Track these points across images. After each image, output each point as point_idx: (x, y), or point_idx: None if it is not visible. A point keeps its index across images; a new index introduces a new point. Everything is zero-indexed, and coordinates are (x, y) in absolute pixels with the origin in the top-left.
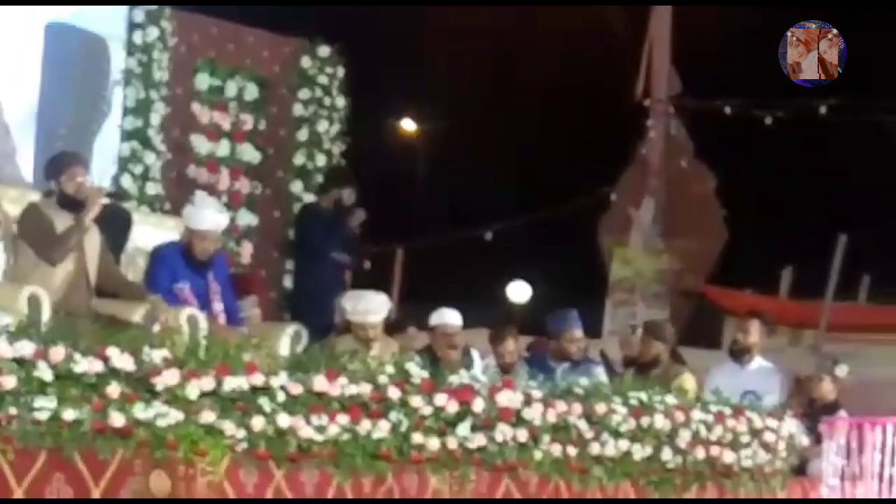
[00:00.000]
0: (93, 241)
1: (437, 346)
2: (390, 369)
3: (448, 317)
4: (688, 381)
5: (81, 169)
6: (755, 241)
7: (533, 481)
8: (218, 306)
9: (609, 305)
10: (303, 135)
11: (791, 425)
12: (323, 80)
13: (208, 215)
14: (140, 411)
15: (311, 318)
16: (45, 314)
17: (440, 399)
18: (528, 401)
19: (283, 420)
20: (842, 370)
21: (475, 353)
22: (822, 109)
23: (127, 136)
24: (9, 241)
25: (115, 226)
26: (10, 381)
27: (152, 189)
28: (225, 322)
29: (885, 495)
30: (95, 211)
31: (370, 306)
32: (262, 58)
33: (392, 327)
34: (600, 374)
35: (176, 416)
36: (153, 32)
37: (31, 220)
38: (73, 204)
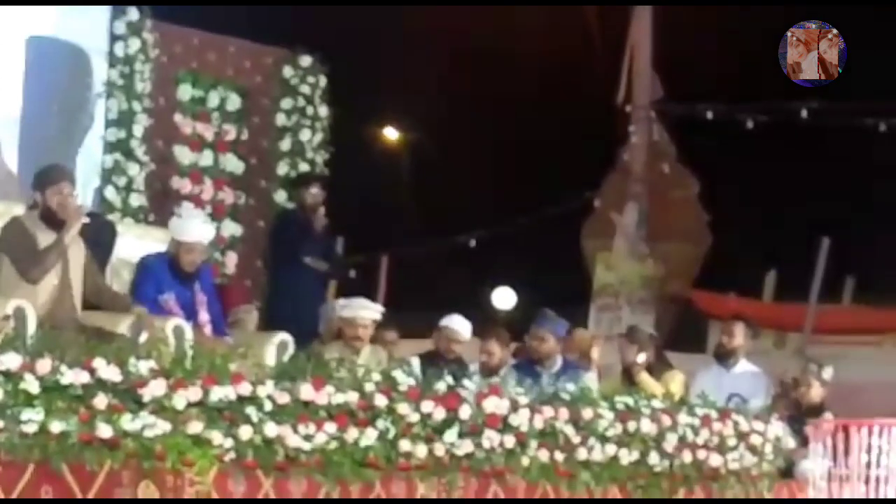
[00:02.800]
0: (77, 254)
1: (439, 344)
2: (377, 377)
3: (459, 324)
4: (676, 381)
5: (67, 184)
6: (738, 245)
7: (521, 487)
8: (204, 317)
9: (593, 310)
10: (286, 144)
11: (777, 428)
12: (305, 89)
13: (195, 227)
14: (127, 422)
15: (290, 325)
16: (31, 327)
17: (427, 406)
18: (514, 407)
19: (271, 429)
20: (828, 373)
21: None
22: (804, 112)
23: (110, 147)
24: None
25: (100, 237)
26: None
27: (136, 200)
28: (211, 332)
29: (871, 496)
30: (76, 229)
31: (364, 304)
32: (244, 68)
33: (375, 337)
34: (588, 379)
35: (163, 426)
36: (135, 44)
37: (13, 236)
38: (55, 220)
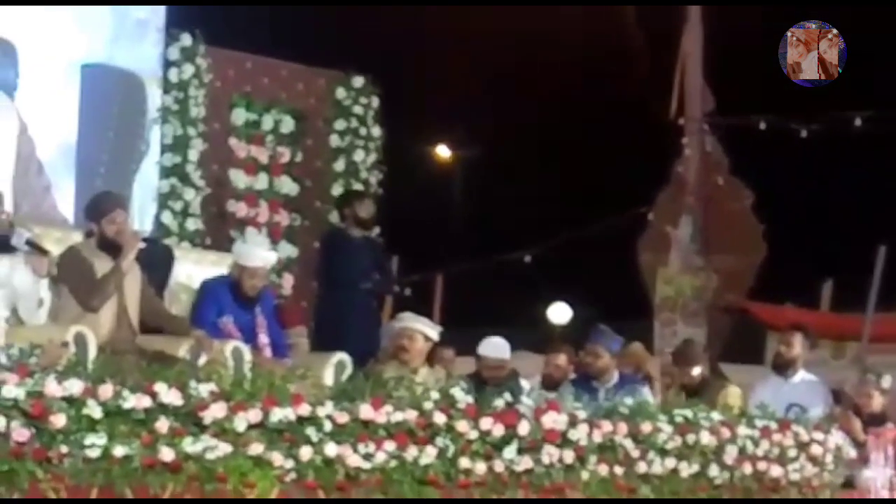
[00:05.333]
0: (133, 280)
1: (484, 371)
2: (435, 395)
3: (490, 349)
4: (733, 395)
5: (122, 211)
6: (794, 256)
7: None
8: (264, 339)
9: (657, 325)
10: (339, 165)
11: (838, 437)
12: (358, 110)
13: (259, 252)
14: (189, 445)
15: (345, 346)
16: (92, 352)
17: (486, 423)
18: (573, 422)
19: (331, 449)
20: (887, 381)
21: (523, 381)
22: (858, 121)
23: (166, 172)
24: (52, 283)
25: (157, 262)
26: (60, 420)
27: (192, 224)
28: (271, 355)
29: None
30: (132, 256)
31: (414, 316)
32: (297, 90)
33: (429, 354)
34: (645, 393)
35: (224, 448)
36: (188, 69)
37: (71, 265)
38: (113, 247)
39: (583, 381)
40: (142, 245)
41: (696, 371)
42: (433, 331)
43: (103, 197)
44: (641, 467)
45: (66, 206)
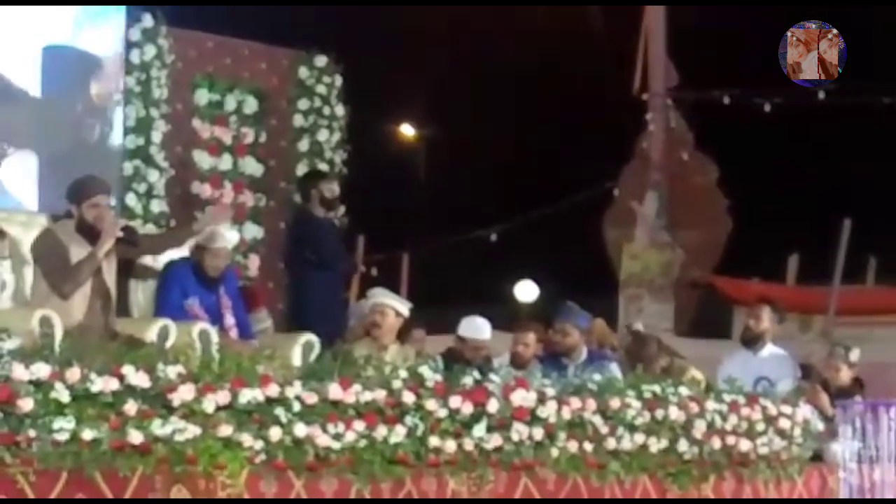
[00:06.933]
0: (111, 264)
1: (466, 352)
2: (404, 374)
3: (472, 330)
4: (697, 373)
5: (105, 196)
6: (760, 230)
7: (551, 479)
8: (230, 320)
9: (622, 301)
10: (304, 145)
11: (806, 411)
12: (321, 89)
13: (220, 232)
14: (158, 428)
15: (312, 327)
16: (58, 336)
17: (455, 401)
18: (542, 399)
19: (300, 430)
20: (855, 354)
21: (495, 361)
22: (821, 94)
23: (129, 154)
24: (17, 265)
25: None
26: (27, 404)
27: (157, 206)
28: (237, 336)
29: None
30: (110, 244)
31: (386, 292)
32: (260, 70)
33: (400, 331)
34: (614, 369)
35: (193, 430)
36: (150, 50)
37: (46, 248)
38: (91, 232)
39: (552, 358)
40: (120, 234)
41: (656, 369)
42: (404, 306)
43: (87, 180)
44: (611, 443)
45: (30, 189)
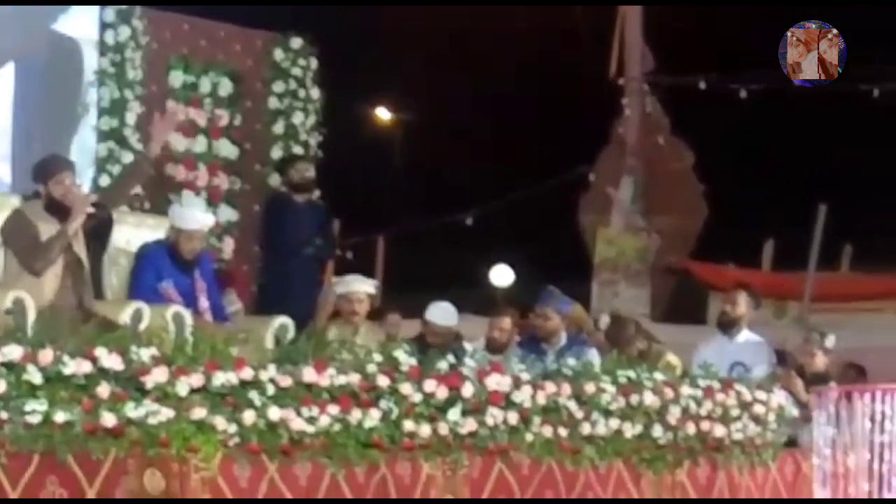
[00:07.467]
0: (82, 242)
1: (428, 337)
2: (378, 357)
3: (438, 315)
4: (673, 357)
5: (70, 173)
6: (735, 215)
7: (525, 464)
8: (204, 303)
9: (595, 286)
10: (279, 128)
11: (780, 397)
12: (296, 72)
13: (195, 215)
14: (131, 410)
15: (286, 310)
16: (31, 318)
17: (429, 385)
18: (517, 383)
19: (274, 413)
20: (830, 341)
21: (466, 344)
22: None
23: (103, 136)
24: None
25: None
26: None
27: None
28: (211, 319)
29: (875, 463)
30: (81, 219)
31: (358, 278)
32: (235, 52)
33: (374, 314)
34: (593, 355)
35: (167, 413)
36: (125, 32)
37: (15, 228)
38: (60, 209)
39: (530, 343)
40: (91, 210)
41: (632, 351)
42: (372, 287)
43: (51, 159)
44: (585, 428)
45: (3, 171)
